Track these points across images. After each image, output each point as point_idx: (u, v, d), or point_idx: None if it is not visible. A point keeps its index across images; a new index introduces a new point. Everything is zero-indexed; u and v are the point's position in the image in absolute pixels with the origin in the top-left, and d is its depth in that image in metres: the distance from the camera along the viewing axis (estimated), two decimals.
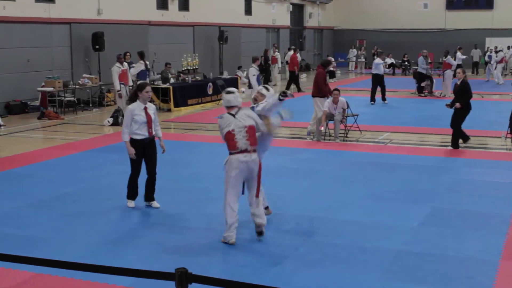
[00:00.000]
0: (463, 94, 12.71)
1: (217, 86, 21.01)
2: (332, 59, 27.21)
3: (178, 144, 13.46)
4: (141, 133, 8.45)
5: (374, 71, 21.53)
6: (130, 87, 16.96)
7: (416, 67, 25.37)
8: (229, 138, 7.18)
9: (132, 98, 8.60)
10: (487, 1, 39.30)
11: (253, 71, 15.57)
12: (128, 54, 18.45)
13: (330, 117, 13.88)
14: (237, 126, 7.17)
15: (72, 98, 19.03)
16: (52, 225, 8.03)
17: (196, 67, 22.46)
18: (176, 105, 19.44)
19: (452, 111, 12.97)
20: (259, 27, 33.06)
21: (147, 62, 19.51)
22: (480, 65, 34.52)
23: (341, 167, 11.43)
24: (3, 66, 17.73)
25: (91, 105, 20.05)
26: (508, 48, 35.24)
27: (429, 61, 25.37)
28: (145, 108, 8.45)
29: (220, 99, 20.58)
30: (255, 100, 7.84)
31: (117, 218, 8.41)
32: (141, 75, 18.43)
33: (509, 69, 35.03)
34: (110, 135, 14.98)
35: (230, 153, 7.20)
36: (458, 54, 26.70)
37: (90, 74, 20.30)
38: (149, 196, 8.75)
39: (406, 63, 35.42)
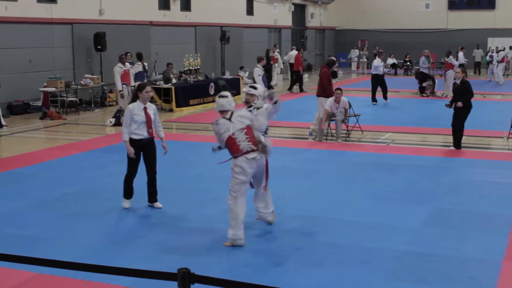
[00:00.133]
0: (463, 93, 12.69)
1: (219, 86, 21.01)
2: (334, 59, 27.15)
3: (179, 144, 13.47)
4: (140, 133, 8.43)
5: (373, 72, 21.57)
6: (132, 87, 16.98)
7: (418, 67, 25.35)
8: (231, 143, 7.16)
9: (134, 98, 8.61)
10: (489, 1, 39.26)
11: (258, 71, 15.54)
12: (129, 54, 18.47)
13: (331, 116, 13.88)
14: (235, 129, 7.17)
15: (74, 99, 19.05)
16: (54, 225, 8.04)
17: (198, 67, 22.49)
18: (178, 105, 19.45)
19: (452, 111, 12.96)
20: (261, 27, 33.06)
21: (145, 64, 19.52)
22: (482, 65, 34.49)
23: (343, 167, 11.43)
24: (5, 66, 17.75)
25: (93, 105, 20.07)
26: (510, 48, 35.19)
27: (431, 61, 25.35)
28: (145, 108, 8.44)
29: None
30: (247, 102, 7.68)
31: (118, 218, 8.41)
32: (138, 76, 18.44)
33: (511, 69, 34.98)
34: (112, 135, 14.99)
35: (235, 156, 7.19)
36: (460, 54, 26.68)
37: (92, 74, 20.32)
38: (152, 197, 8.75)
39: (408, 63, 35.40)
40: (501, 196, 9.36)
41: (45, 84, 18.33)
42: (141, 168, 8.68)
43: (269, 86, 21.48)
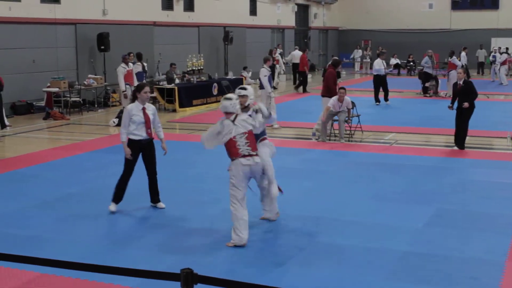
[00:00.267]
0: (467, 94, 12.66)
1: (222, 86, 21.02)
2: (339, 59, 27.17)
3: (182, 144, 13.48)
4: (139, 134, 8.41)
5: (374, 72, 21.57)
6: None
7: (421, 67, 25.32)
8: (231, 145, 7.22)
9: (133, 99, 8.60)
10: (492, 1, 39.18)
11: (264, 71, 15.50)
12: (132, 54, 18.48)
13: (333, 115, 13.87)
14: (237, 132, 7.23)
15: (77, 99, 19.08)
16: (57, 225, 8.06)
17: (201, 67, 22.48)
18: (181, 106, 19.46)
19: (454, 112, 12.93)
20: (264, 27, 33.06)
21: (145, 64, 19.53)
22: (486, 65, 34.44)
23: (346, 167, 11.43)
24: (8, 66, 17.77)
25: (96, 105, 20.09)
26: None
27: (435, 61, 25.33)
28: (143, 109, 8.42)
29: None
30: (240, 104, 7.57)
31: (121, 219, 8.42)
32: (138, 76, 18.41)
33: None
34: (115, 136, 14.99)
35: (232, 159, 7.24)
36: (463, 54, 26.69)
37: (95, 75, 20.34)
38: (154, 198, 8.75)
39: (411, 63, 35.35)
40: (504, 196, 9.34)
41: (49, 84, 18.36)
42: (142, 169, 8.68)
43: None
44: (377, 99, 21.10)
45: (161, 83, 20.71)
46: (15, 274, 6.19)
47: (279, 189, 7.96)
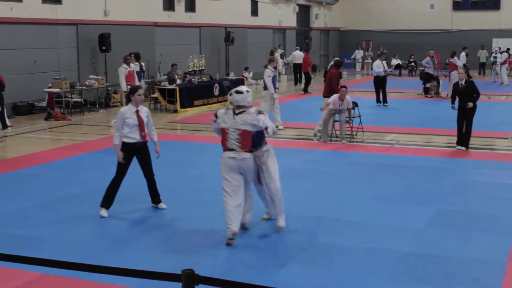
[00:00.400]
0: (470, 94, 12.65)
1: (224, 87, 21.02)
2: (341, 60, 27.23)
3: (184, 145, 13.48)
4: (133, 137, 8.33)
5: (374, 74, 21.57)
6: None
7: (422, 68, 25.32)
8: (223, 136, 7.36)
9: (126, 102, 8.56)
10: (494, 2, 39.17)
11: (268, 72, 15.46)
12: (133, 55, 18.47)
13: (333, 114, 13.87)
14: (232, 126, 7.27)
15: (78, 99, 19.08)
16: (58, 225, 8.06)
17: (203, 68, 22.50)
18: (182, 106, 19.46)
19: (455, 112, 12.92)
20: (265, 28, 33.06)
21: (143, 64, 19.52)
22: (487, 66, 34.43)
23: (347, 168, 11.42)
24: (10, 67, 17.79)
25: (97, 106, 20.10)
26: None
27: (436, 62, 25.32)
28: (137, 111, 8.37)
29: (226, 100, 20.58)
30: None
31: (122, 219, 8.42)
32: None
33: None
34: None
35: (223, 150, 7.39)
36: (462, 54, 26.71)
37: (97, 75, 20.35)
38: (155, 199, 8.74)
39: (413, 64, 35.35)
40: (505, 197, 9.33)
41: (50, 84, 18.37)
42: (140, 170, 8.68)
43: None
44: (378, 100, 21.09)
45: (162, 83, 20.71)
46: (16, 275, 6.19)
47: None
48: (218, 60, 28.34)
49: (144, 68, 19.66)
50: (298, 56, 28.19)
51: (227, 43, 27.92)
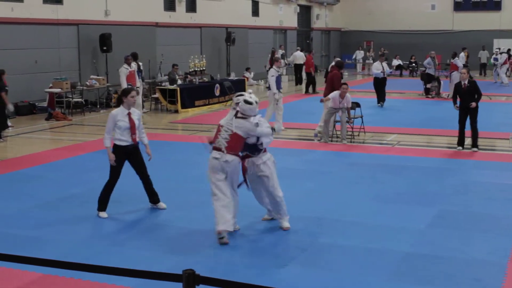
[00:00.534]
0: (473, 94, 12.64)
1: (224, 87, 21.03)
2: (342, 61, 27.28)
3: (184, 145, 13.48)
4: (125, 139, 8.27)
5: (373, 75, 21.58)
6: (137, 88, 17.00)
7: (423, 69, 25.32)
8: (216, 131, 7.43)
9: (118, 103, 8.49)
10: (495, 3, 39.16)
11: (273, 71, 15.41)
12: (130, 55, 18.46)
13: (333, 113, 13.86)
14: (226, 126, 7.34)
15: (79, 99, 19.10)
16: (59, 226, 8.06)
17: (203, 68, 22.51)
18: (183, 106, 19.46)
19: (456, 112, 12.90)
20: (266, 28, 33.07)
21: (140, 64, 19.52)
22: (488, 67, 34.41)
23: (348, 168, 11.42)
24: (11, 67, 17.76)
25: (98, 106, 20.10)
26: None
27: (437, 62, 25.32)
28: (129, 114, 8.31)
29: (227, 101, 20.60)
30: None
31: (123, 219, 8.42)
32: None
33: None
34: None
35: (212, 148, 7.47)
36: (461, 54, 26.74)
37: (98, 75, 20.36)
38: (153, 199, 8.72)
39: (414, 64, 35.34)
40: (507, 198, 9.33)
41: (51, 85, 18.38)
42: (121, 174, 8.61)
43: None
44: (379, 101, 21.07)
45: (163, 84, 20.72)
46: (17, 275, 6.19)
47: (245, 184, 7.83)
48: (219, 61, 28.35)
49: (142, 68, 19.66)
50: (299, 56, 28.20)
51: (228, 44, 27.93)
